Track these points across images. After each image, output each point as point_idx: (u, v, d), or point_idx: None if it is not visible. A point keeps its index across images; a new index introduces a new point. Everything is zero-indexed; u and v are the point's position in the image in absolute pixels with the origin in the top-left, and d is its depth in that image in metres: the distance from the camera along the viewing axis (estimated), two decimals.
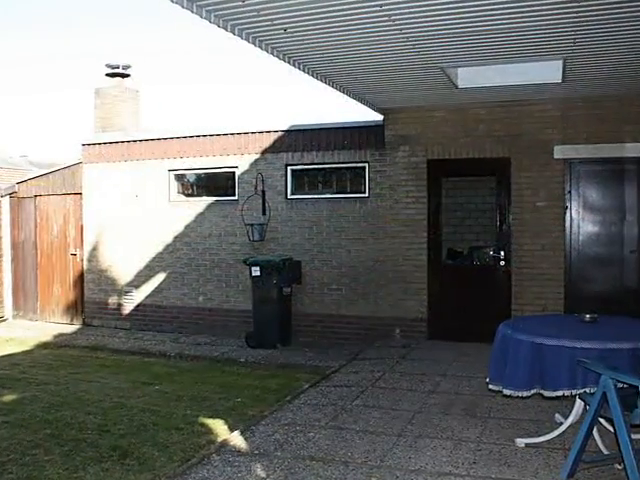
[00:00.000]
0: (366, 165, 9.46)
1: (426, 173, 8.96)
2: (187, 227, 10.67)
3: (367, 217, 9.40)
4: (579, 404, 4.59)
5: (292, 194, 10.01)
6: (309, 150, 9.78)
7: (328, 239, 9.66)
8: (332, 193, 9.90)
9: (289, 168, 9.98)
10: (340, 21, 5.06)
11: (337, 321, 9.57)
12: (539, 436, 4.82)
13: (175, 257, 10.77)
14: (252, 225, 9.83)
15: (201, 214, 10.58)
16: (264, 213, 9.98)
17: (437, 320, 8.90)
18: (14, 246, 12.49)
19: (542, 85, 7.29)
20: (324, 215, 9.69)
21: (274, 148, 10.00)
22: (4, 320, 12.30)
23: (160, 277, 10.92)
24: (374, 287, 9.34)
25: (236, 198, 10.28)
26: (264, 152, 10.08)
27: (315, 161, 9.77)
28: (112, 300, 11.33)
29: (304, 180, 10.28)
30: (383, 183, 9.28)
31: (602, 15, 4.94)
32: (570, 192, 8.32)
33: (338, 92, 7.62)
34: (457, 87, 7.34)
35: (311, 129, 9.79)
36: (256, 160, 10.13)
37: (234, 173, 10.37)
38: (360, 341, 9.19)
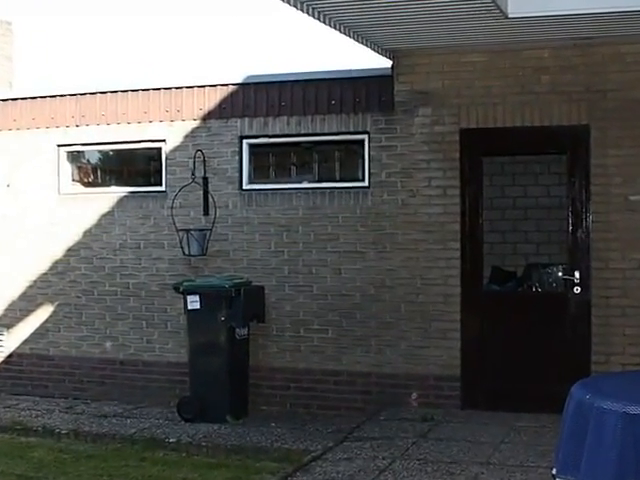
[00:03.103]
0: (365, 138, 9.53)
1: (458, 150, 9.04)
2: (87, 234, 10.63)
3: (367, 219, 9.40)
4: None
5: (250, 183, 10.05)
6: (277, 114, 9.81)
7: (307, 253, 9.65)
8: (313, 182, 9.98)
9: (245, 142, 10.04)
10: None
11: (320, 380, 9.55)
12: None
13: (68, 281, 10.73)
14: (188, 231, 9.79)
15: (109, 214, 10.55)
16: (206, 213, 9.97)
17: (476, 379, 8.96)
18: None
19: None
20: (300, 216, 9.69)
21: (222, 111, 10.05)
22: None
23: (45, 312, 10.86)
24: (377, 327, 9.33)
25: (163, 189, 10.36)
26: (207, 117, 10.12)
27: (286, 132, 9.86)
28: None
29: (269, 161, 10.44)
30: (392, 166, 9.29)
31: None
32: None
33: (324, 24, 7.59)
34: (507, 16, 7.42)
35: (280, 82, 9.85)
36: (194, 130, 10.15)
37: (160, 150, 10.45)
38: (356, 411, 9.22)
